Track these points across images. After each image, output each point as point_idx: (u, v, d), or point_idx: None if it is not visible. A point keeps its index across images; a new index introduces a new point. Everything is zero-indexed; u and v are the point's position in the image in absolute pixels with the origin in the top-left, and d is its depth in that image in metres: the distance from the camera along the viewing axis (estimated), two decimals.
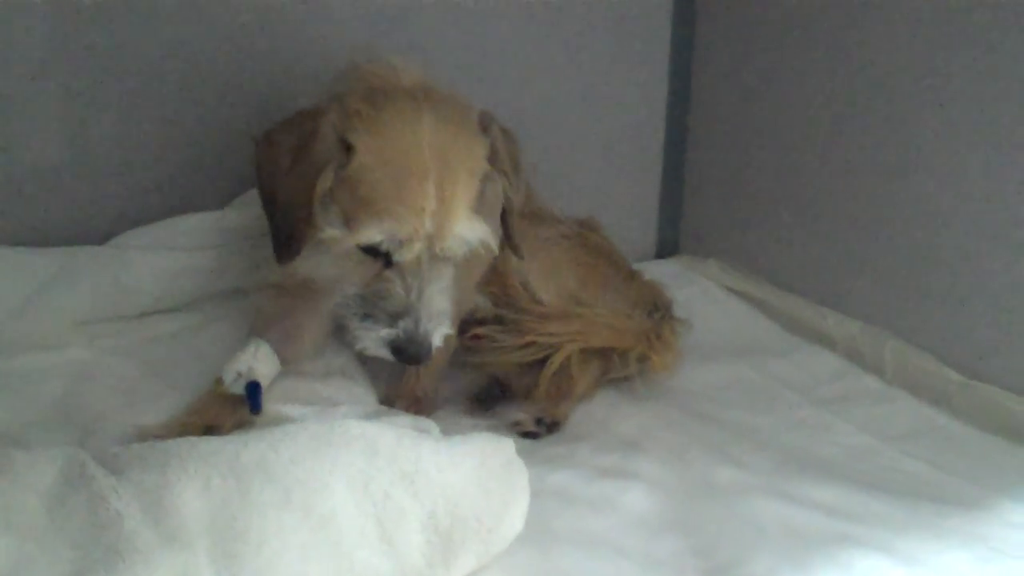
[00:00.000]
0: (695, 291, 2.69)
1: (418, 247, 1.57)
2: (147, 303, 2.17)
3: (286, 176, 1.59)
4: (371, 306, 1.62)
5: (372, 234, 1.55)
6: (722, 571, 1.57)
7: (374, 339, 1.63)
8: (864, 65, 2.34)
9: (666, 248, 3.07)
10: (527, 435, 1.94)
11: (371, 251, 1.60)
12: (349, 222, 1.57)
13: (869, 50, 2.32)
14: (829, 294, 2.52)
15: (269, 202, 1.64)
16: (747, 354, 2.40)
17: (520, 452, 1.59)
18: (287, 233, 1.62)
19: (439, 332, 1.63)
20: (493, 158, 1.70)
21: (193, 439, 1.44)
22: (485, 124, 1.71)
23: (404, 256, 1.57)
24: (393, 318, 1.60)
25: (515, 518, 1.51)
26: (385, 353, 1.63)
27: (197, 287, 2.23)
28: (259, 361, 1.79)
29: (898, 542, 1.64)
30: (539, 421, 1.97)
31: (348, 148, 1.56)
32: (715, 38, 2.84)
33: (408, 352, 1.60)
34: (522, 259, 1.89)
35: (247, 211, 2.29)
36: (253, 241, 2.24)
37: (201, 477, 1.33)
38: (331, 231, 1.58)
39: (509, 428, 1.96)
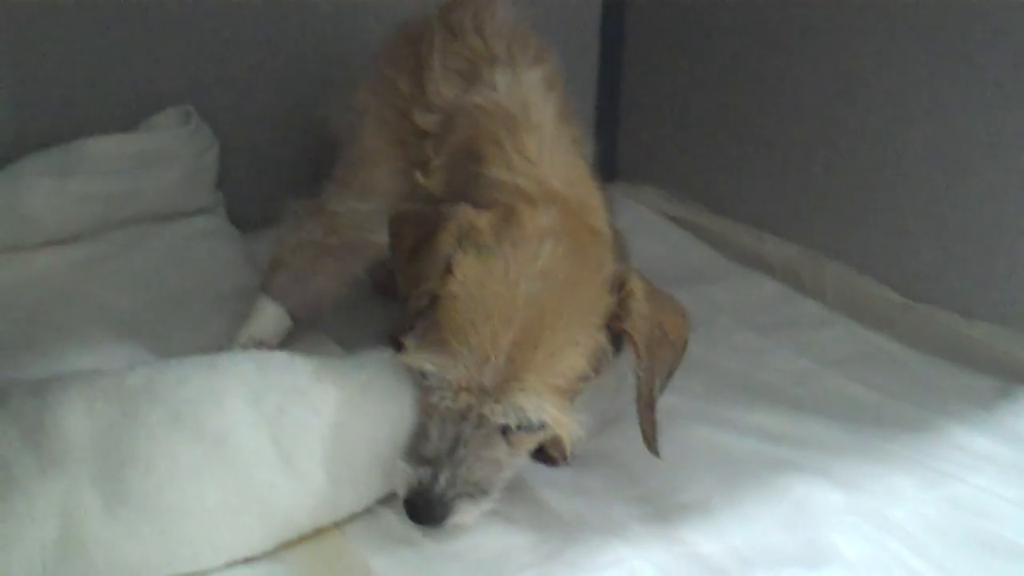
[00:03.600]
0: (632, 217, 2.58)
1: (464, 398, 1.31)
2: (48, 232, 2.03)
3: (403, 271, 1.42)
4: (415, 438, 1.39)
5: (423, 361, 1.33)
6: (652, 499, 1.51)
7: (398, 473, 1.37)
8: None
9: (602, 174, 2.95)
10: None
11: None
12: (420, 337, 1.36)
13: None
14: (767, 218, 2.43)
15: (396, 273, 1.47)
16: (684, 280, 2.30)
17: None
18: (402, 316, 1.40)
19: (466, 507, 1.35)
20: (619, 323, 1.39)
21: (75, 371, 1.37)
22: (620, 282, 1.40)
23: (446, 402, 1.33)
24: (419, 461, 1.35)
25: None
26: (402, 494, 1.37)
27: (102, 215, 2.09)
28: (272, 326, 1.73)
29: (837, 466, 1.57)
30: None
31: (449, 271, 1.33)
32: None
33: (413, 505, 1.34)
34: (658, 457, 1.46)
35: (157, 134, 2.16)
36: (163, 165, 2.12)
37: (84, 400, 1.26)
38: (406, 338, 1.37)
39: None
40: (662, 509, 1.47)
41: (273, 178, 2.25)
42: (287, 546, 1.33)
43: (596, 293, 1.37)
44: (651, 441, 1.43)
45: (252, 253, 2.10)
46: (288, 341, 1.74)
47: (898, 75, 2.06)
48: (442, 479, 1.32)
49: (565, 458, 1.62)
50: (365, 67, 1.76)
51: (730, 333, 2.08)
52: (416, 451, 1.36)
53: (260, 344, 1.68)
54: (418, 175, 1.54)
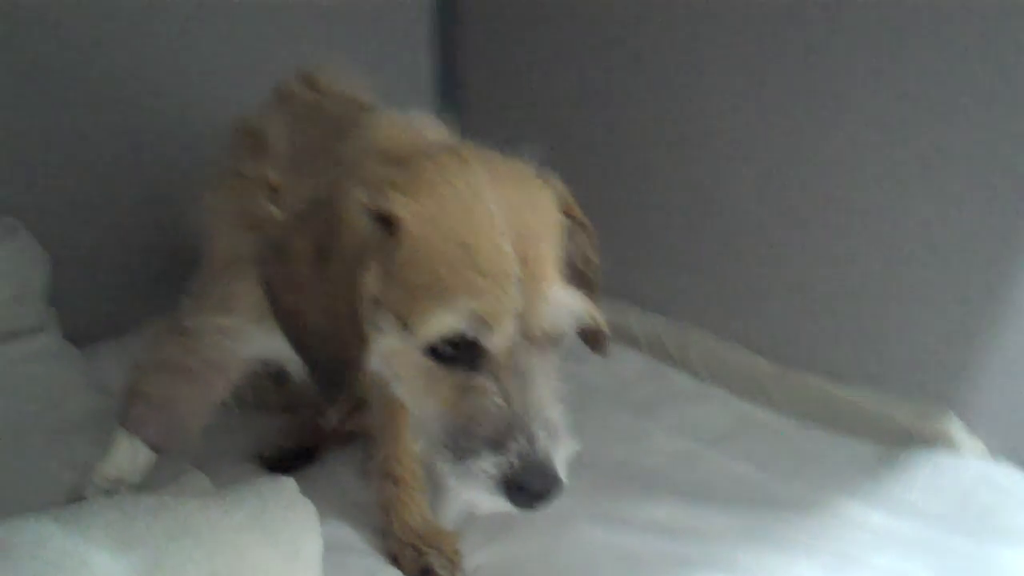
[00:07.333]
0: None
1: (510, 327, 1.13)
2: None
3: (311, 291, 1.16)
4: (462, 435, 1.15)
5: (447, 323, 1.11)
6: None
7: (480, 483, 1.13)
8: (632, 36, 2.24)
9: None
10: None
11: (443, 355, 1.15)
12: (408, 320, 1.14)
13: (639, 38, 2.22)
14: (628, 290, 2.37)
15: (295, 331, 1.19)
16: None
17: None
18: (332, 364, 1.17)
19: (563, 451, 1.15)
20: (568, 210, 1.32)
21: None
22: (540, 174, 1.31)
23: (496, 342, 1.13)
24: (495, 445, 1.12)
25: (309, 567, 1.32)
26: (498, 502, 1.13)
27: None
28: (130, 463, 1.54)
29: (740, 557, 1.53)
30: None
31: (390, 225, 1.14)
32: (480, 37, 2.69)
33: (530, 486, 1.11)
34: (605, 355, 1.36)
35: None
36: None
37: None
38: (386, 341, 1.16)
39: None
40: None
41: (111, 290, 2.10)
42: None
43: (537, 181, 1.28)
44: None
45: (94, 371, 1.94)
46: (152, 476, 1.58)
47: (748, 133, 2.06)
48: (540, 437, 1.11)
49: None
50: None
51: (605, 415, 2.02)
52: (475, 443, 1.13)
53: (119, 483, 1.53)
54: (266, 205, 1.36)
